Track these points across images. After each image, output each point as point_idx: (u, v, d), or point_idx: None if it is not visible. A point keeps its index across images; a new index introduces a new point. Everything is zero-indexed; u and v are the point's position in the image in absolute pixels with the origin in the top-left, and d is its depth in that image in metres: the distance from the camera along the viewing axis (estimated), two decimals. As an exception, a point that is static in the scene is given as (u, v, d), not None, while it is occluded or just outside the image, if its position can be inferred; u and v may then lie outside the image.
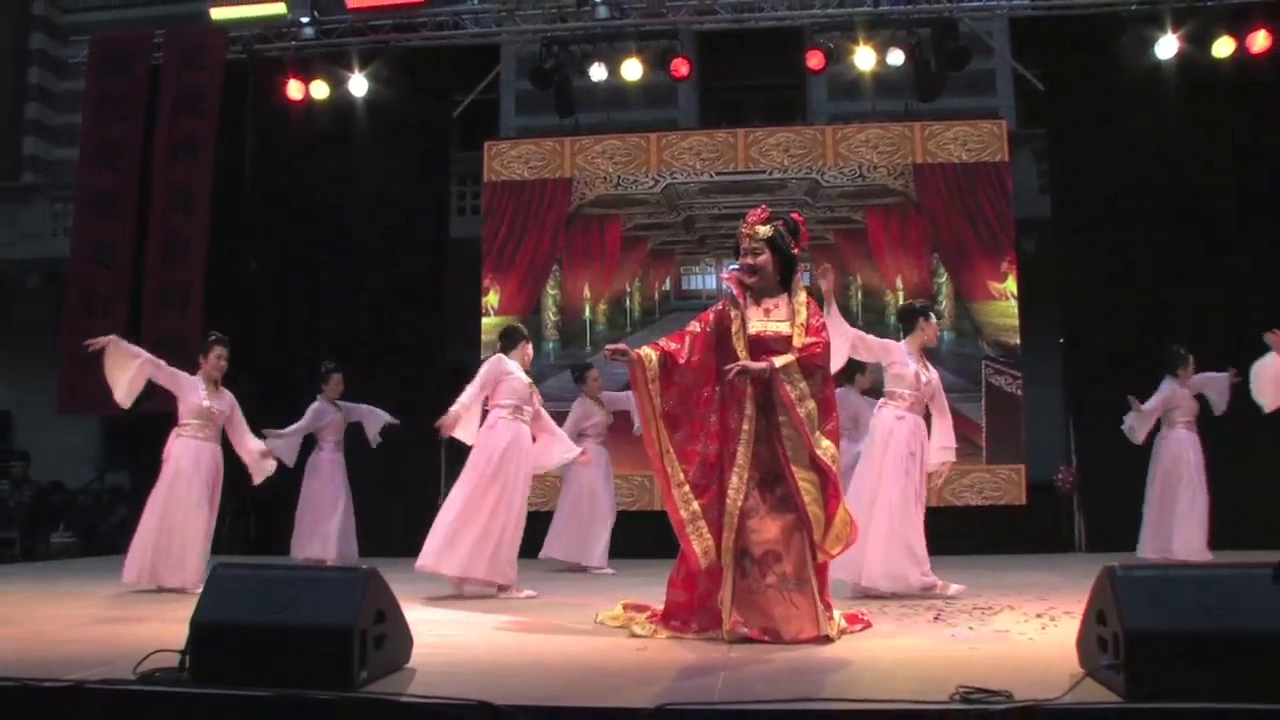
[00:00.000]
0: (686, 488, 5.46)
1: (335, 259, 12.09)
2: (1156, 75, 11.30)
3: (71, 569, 10.11)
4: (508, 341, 7.98)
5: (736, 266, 5.71)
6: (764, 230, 5.56)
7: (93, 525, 13.35)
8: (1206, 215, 11.09)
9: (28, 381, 15.02)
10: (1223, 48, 11.08)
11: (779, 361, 5.36)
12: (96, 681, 4.10)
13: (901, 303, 8.92)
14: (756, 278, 5.55)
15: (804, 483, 5.33)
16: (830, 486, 5.37)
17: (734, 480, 5.39)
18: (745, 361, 5.38)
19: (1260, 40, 10.97)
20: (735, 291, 5.66)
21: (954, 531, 8.86)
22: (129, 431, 12.79)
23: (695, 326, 5.64)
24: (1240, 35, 11.05)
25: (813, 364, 5.41)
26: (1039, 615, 6.08)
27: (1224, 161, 11.13)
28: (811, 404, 5.36)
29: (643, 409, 5.57)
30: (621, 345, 5.64)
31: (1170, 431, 9.43)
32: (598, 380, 10.18)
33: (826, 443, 5.38)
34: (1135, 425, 9.39)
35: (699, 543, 5.39)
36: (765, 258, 5.53)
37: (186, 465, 8.03)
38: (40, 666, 4.38)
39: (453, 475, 9.64)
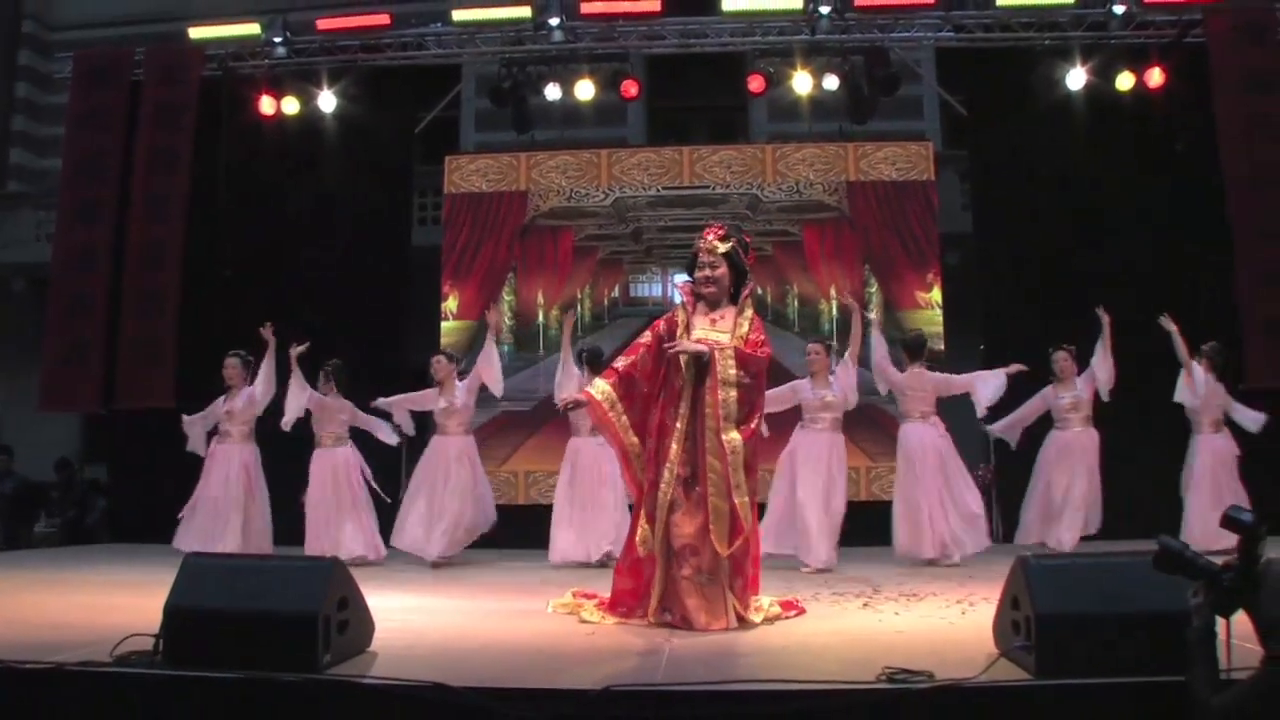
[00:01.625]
0: (644, 483, 5.55)
1: (304, 265, 11.97)
2: (1067, 104, 11.49)
3: (52, 558, 9.97)
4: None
5: (689, 278, 5.75)
6: (723, 246, 5.59)
7: (81, 516, 13.15)
8: (1113, 230, 11.27)
9: (13, 380, 14.75)
10: (1124, 81, 11.37)
11: (721, 345, 5.40)
12: (75, 664, 4.07)
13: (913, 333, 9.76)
14: (714, 288, 5.57)
15: (711, 473, 5.32)
16: (726, 479, 5.29)
17: (665, 475, 5.43)
18: (685, 343, 5.42)
19: (1155, 76, 11.27)
20: (686, 299, 5.72)
21: (884, 524, 8.95)
22: (107, 428, 12.63)
23: (647, 336, 5.69)
24: (1139, 71, 11.33)
25: (749, 358, 5.42)
26: (959, 601, 6.14)
27: (1127, 182, 11.35)
28: (734, 393, 5.35)
29: (612, 430, 5.61)
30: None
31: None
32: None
33: (735, 435, 5.33)
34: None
35: (639, 532, 5.45)
36: (723, 270, 5.58)
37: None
38: (22, 649, 4.34)
39: (412, 471, 9.63)
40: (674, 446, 5.43)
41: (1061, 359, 9.30)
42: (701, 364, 5.41)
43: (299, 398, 9.09)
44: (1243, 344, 10.31)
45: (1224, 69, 10.92)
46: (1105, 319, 9.09)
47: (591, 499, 9.10)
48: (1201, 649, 3.11)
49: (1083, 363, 9.31)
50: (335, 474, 9.25)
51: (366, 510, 9.29)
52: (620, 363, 5.67)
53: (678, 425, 5.45)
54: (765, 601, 5.64)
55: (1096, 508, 9.19)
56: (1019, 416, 9.45)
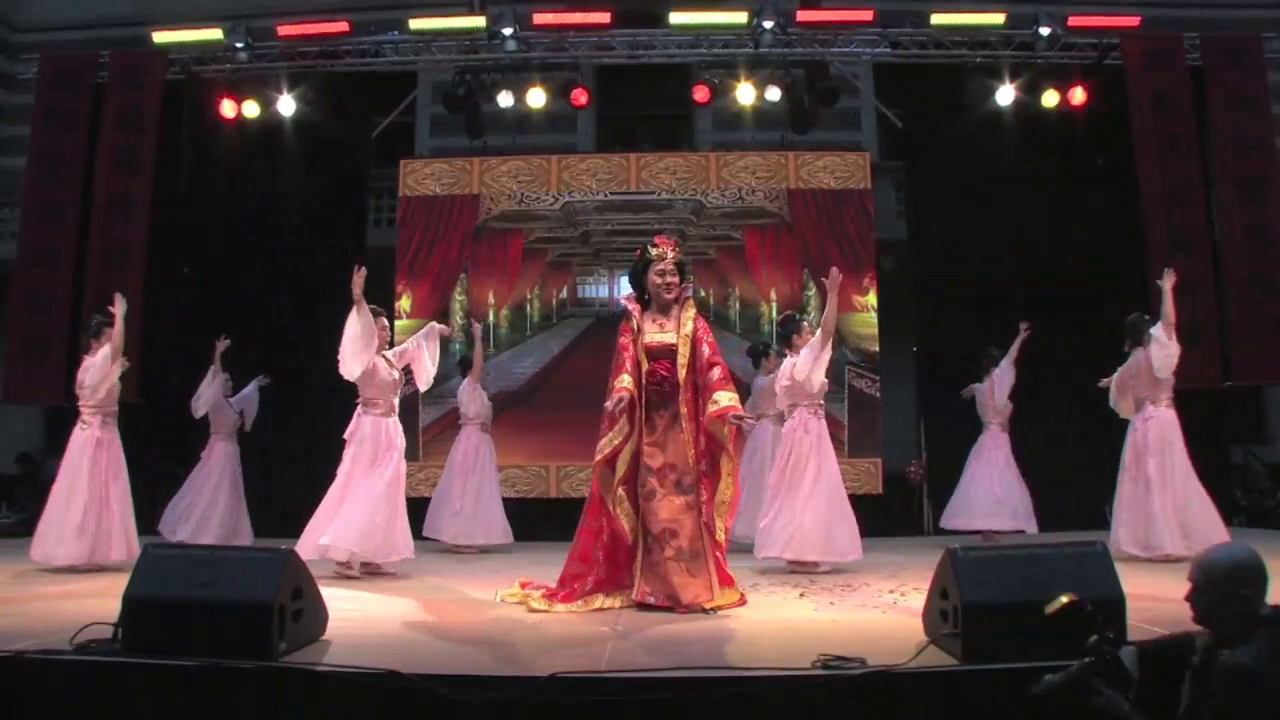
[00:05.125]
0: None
1: (262, 264, 11.82)
2: (997, 118, 11.64)
3: (13, 548, 9.75)
4: None
5: (632, 290, 6.13)
6: (679, 256, 6.00)
7: (43, 508, 12.89)
8: (1038, 238, 11.42)
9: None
10: (1050, 99, 11.53)
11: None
12: (35, 652, 4.02)
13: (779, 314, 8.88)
14: (673, 294, 5.91)
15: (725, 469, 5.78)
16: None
17: (639, 469, 5.72)
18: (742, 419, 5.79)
19: (1078, 95, 11.48)
20: (633, 309, 6.01)
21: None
22: (69, 421, 12.40)
23: (629, 346, 5.89)
24: (1063, 90, 11.51)
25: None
26: (891, 591, 6.20)
27: (1052, 192, 11.48)
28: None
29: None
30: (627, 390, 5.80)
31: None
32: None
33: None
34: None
35: (627, 520, 5.70)
36: (678, 278, 5.93)
37: None
38: (-19, 639, 4.27)
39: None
40: (642, 440, 5.75)
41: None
42: (658, 381, 5.80)
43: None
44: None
45: (1139, 91, 11.15)
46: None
47: (485, 486, 9.54)
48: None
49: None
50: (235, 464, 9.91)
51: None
52: (629, 371, 5.82)
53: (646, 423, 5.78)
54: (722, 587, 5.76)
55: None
56: None
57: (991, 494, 9.48)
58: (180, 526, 9.58)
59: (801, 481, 7.49)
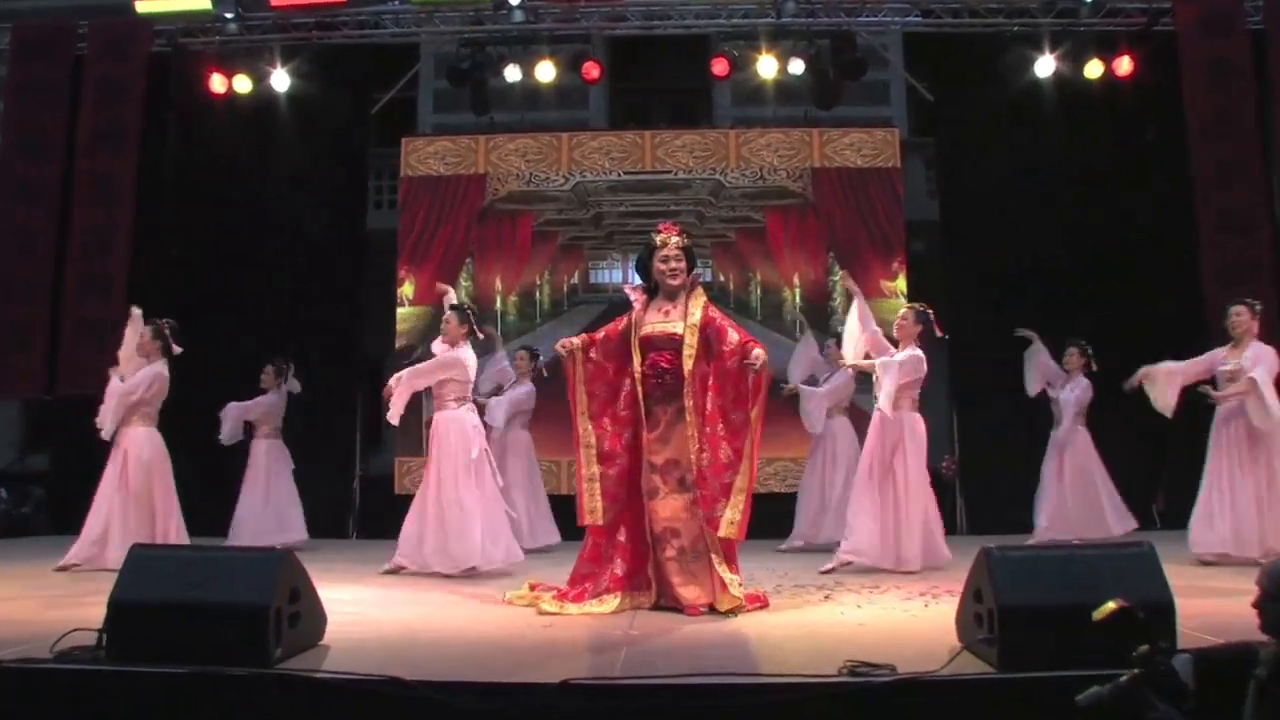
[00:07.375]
0: (593, 450, 5.84)
1: (255, 249, 11.81)
2: (1036, 91, 11.50)
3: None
4: None
5: (640, 280, 6.18)
6: (684, 242, 6.03)
7: (16, 506, 12.94)
8: (1079, 220, 11.33)
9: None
10: (1093, 69, 11.38)
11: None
12: (13, 661, 4.01)
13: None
14: (679, 280, 5.94)
15: (745, 460, 5.66)
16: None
17: (643, 465, 5.76)
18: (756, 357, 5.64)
19: (1125, 64, 11.31)
20: (637, 298, 6.09)
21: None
22: (50, 415, 12.45)
23: (615, 324, 6.10)
24: (1108, 59, 11.35)
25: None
26: (922, 594, 6.18)
27: (1094, 171, 11.38)
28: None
29: (571, 395, 6.03)
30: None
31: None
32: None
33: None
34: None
35: (589, 500, 5.79)
36: (684, 263, 5.95)
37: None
38: (-43, 646, 4.28)
39: (367, 458, 9.59)
40: (645, 435, 5.78)
41: (1240, 312, 7.76)
42: (660, 378, 5.81)
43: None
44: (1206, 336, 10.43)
45: (1192, 59, 10.99)
46: None
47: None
48: None
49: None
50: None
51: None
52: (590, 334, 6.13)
53: (645, 418, 5.81)
54: (734, 586, 5.73)
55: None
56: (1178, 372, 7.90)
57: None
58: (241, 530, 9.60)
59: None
